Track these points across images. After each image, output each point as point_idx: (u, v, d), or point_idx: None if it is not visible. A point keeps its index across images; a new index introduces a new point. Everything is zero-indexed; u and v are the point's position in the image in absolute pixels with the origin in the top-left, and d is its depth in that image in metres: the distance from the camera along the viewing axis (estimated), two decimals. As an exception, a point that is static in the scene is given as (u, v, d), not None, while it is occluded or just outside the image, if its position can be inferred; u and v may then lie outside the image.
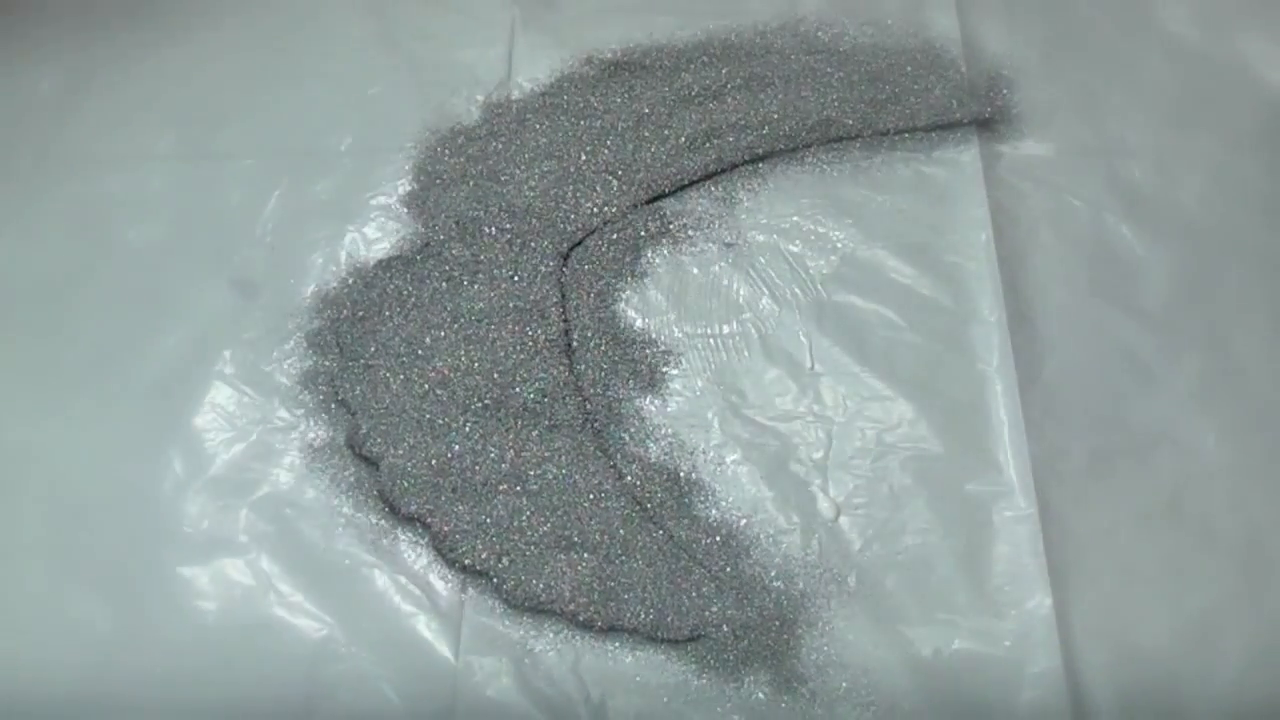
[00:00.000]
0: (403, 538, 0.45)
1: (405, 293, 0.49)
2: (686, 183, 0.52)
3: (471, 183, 0.52)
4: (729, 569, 0.44)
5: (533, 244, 0.50)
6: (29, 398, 0.49)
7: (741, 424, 0.47)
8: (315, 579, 0.45)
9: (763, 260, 0.51)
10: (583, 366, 0.48)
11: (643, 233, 0.51)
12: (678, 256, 0.51)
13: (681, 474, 0.46)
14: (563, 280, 0.50)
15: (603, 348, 0.49)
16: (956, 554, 0.44)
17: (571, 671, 0.42)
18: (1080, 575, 0.44)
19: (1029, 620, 0.43)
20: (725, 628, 0.42)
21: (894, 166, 0.53)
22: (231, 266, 0.52)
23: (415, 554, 0.45)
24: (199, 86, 0.57)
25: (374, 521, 0.46)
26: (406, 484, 0.45)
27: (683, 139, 0.53)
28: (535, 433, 0.46)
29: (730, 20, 0.57)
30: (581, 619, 0.43)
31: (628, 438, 0.47)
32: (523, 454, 0.46)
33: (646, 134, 0.53)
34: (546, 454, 0.46)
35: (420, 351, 0.48)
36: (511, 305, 0.49)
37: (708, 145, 0.53)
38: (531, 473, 0.45)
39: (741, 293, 0.50)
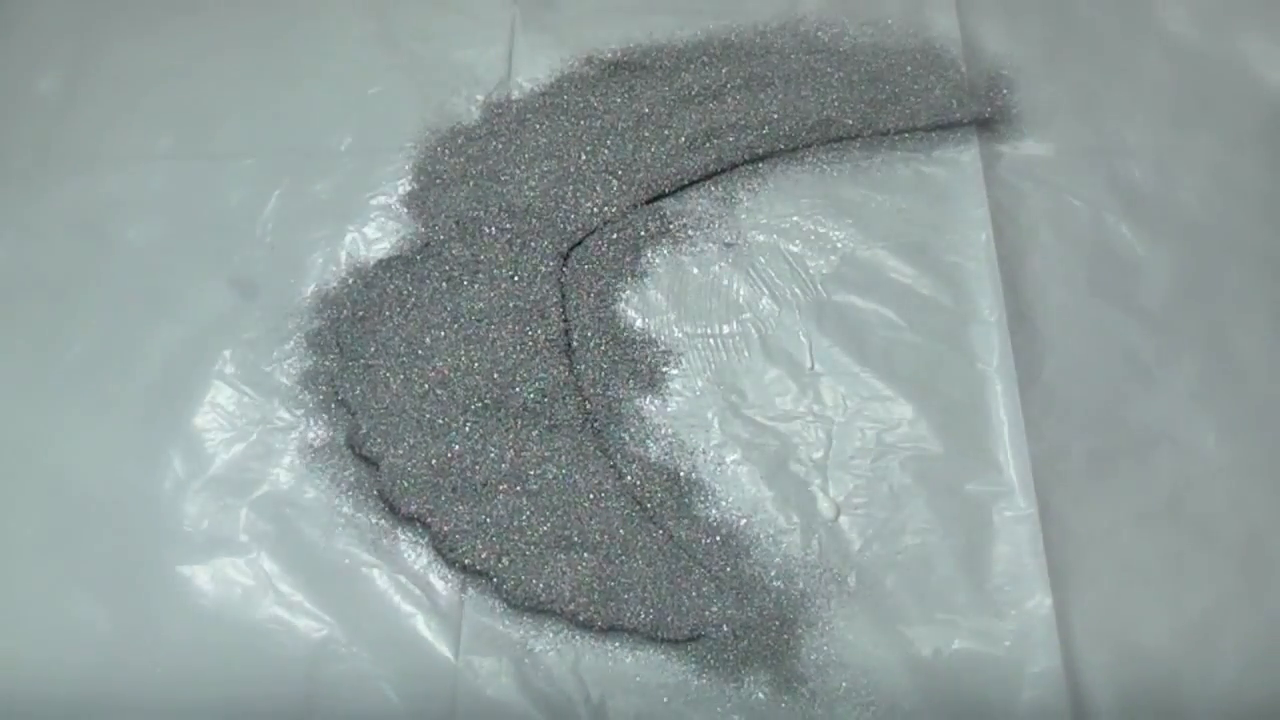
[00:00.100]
0: (403, 538, 0.45)
1: (405, 293, 0.49)
2: (686, 183, 0.52)
3: (471, 183, 0.52)
4: (729, 569, 0.44)
5: (533, 244, 0.50)
6: (29, 398, 0.49)
7: (741, 424, 0.47)
8: (315, 579, 0.45)
9: (763, 260, 0.51)
10: (583, 366, 0.48)
11: (643, 233, 0.51)
12: (678, 256, 0.51)
13: (681, 474, 0.46)
14: (563, 280, 0.50)
15: (603, 348, 0.49)
16: (956, 554, 0.44)
17: (571, 671, 0.42)
18: (1080, 575, 0.44)
19: (1029, 620, 0.43)
20: (725, 628, 0.42)
21: (894, 166, 0.53)
22: (231, 266, 0.52)
23: (415, 554, 0.45)
24: (199, 86, 0.57)
25: (374, 521, 0.46)
26: (406, 484, 0.45)
27: (683, 139, 0.53)
28: (535, 433, 0.46)
29: (730, 20, 0.57)
30: (581, 619, 0.43)
31: (628, 438, 0.47)
32: (523, 454, 0.46)
33: (646, 134, 0.53)
34: (546, 454, 0.46)
35: (420, 351, 0.48)
36: (511, 305, 0.49)
37: (708, 145, 0.53)
38: (531, 473, 0.45)
39: (741, 293, 0.50)
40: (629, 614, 0.43)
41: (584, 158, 0.52)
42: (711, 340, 0.49)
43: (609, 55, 0.55)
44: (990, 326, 0.49)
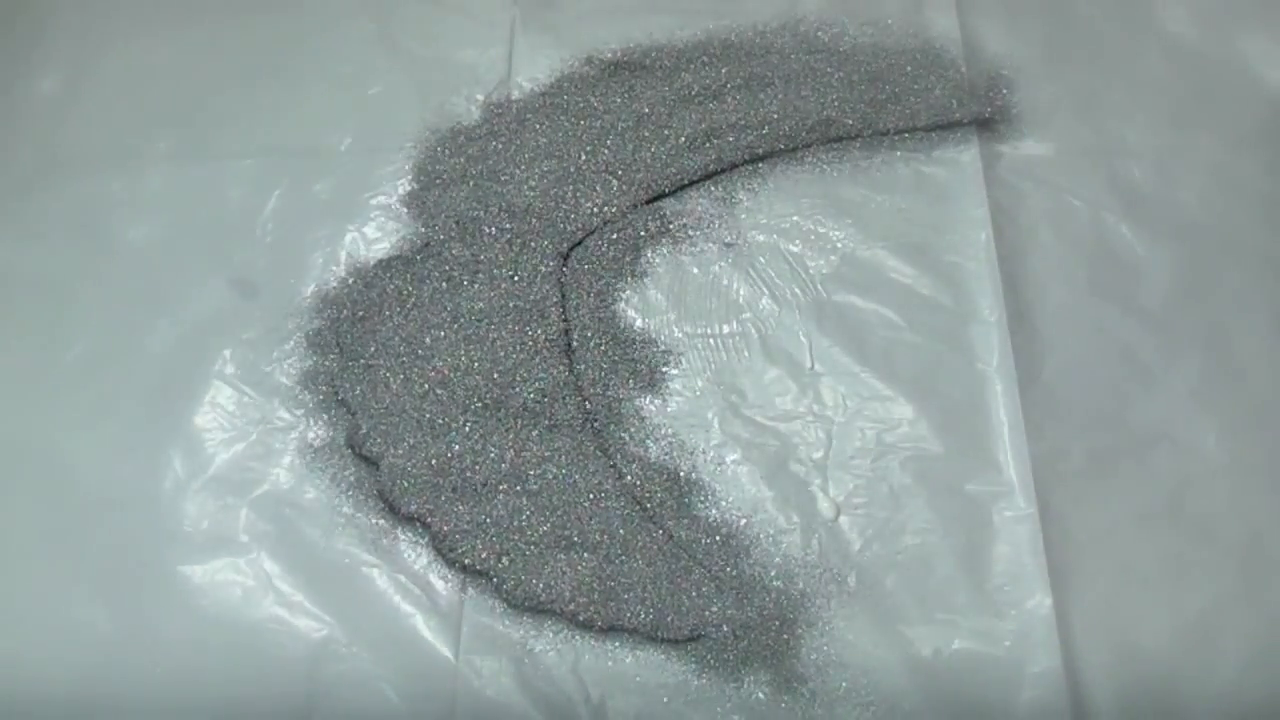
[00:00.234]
0: (403, 538, 0.45)
1: (405, 293, 0.49)
2: (686, 183, 0.52)
3: (471, 183, 0.52)
4: (729, 569, 0.44)
5: (533, 244, 0.50)
6: (29, 398, 0.49)
7: (741, 424, 0.47)
8: (315, 579, 0.45)
9: (763, 260, 0.51)
10: (583, 366, 0.48)
11: (643, 233, 0.51)
12: (678, 256, 0.51)
13: (681, 474, 0.46)
14: (563, 280, 0.50)
15: (603, 348, 0.49)
16: (956, 554, 0.44)
17: (571, 671, 0.42)
18: (1080, 575, 0.44)
19: (1029, 620, 0.43)
20: (725, 628, 0.42)
21: (894, 166, 0.53)
22: (231, 266, 0.52)
23: (415, 554, 0.45)
24: (199, 86, 0.57)
25: (374, 521, 0.46)
26: (406, 484, 0.45)
27: (683, 139, 0.53)
28: (535, 433, 0.46)
29: (730, 20, 0.57)
30: (581, 619, 0.43)
31: (628, 438, 0.47)
32: (523, 454, 0.46)
33: (646, 134, 0.53)
34: (546, 454, 0.46)
35: (420, 351, 0.48)
36: (511, 305, 0.49)
37: (708, 145, 0.53)
38: (531, 473, 0.45)
39: (741, 293, 0.50)
40: (629, 614, 0.42)
41: (584, 158, 0.52)
42: (711, 340, 0.49)
43: (609, 55, 0.55)
44: (990, 326, 0.49)
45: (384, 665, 0.43)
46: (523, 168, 0.52)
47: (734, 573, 0.44)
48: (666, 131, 0.53)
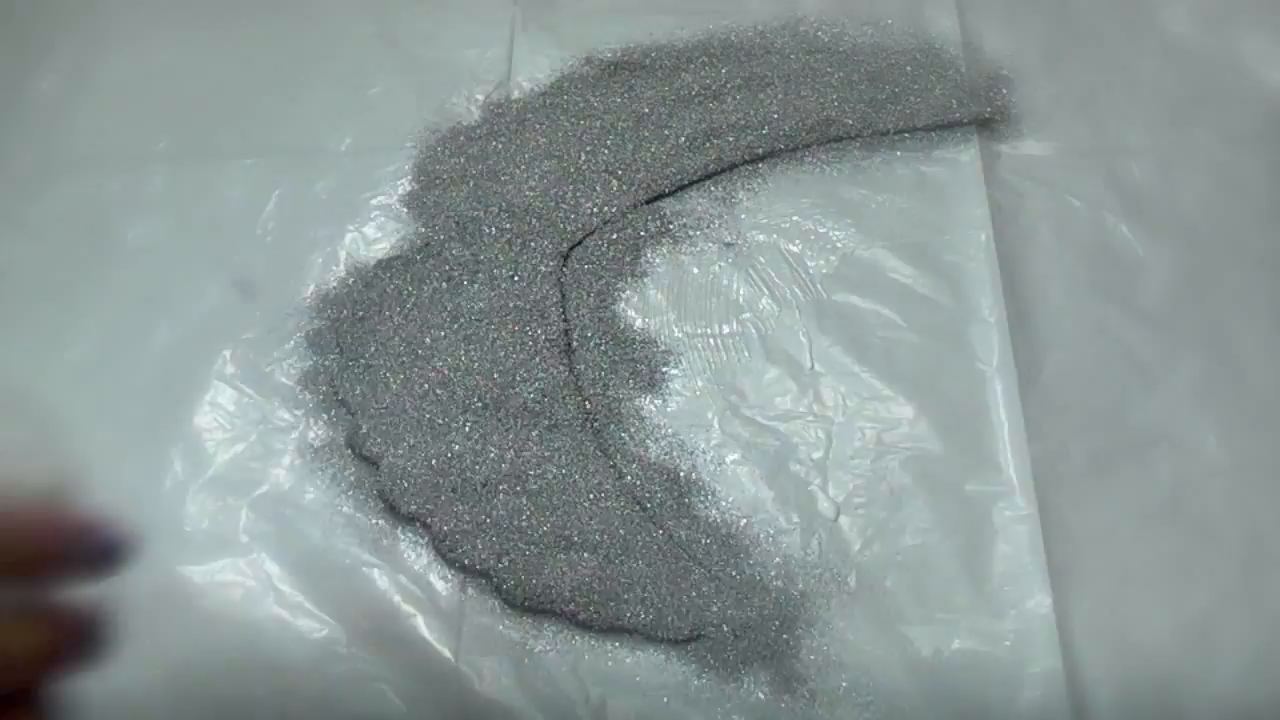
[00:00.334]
0: (403, 538, 0.45)
1: (405, 293, 0.49)
2: (686, 183, 0.52)
3: (471, 183, 0.52)
4: (729, 569, 0.44)
5: (533, 244, 0.50)
6: (29, 398, 0.49)
7: (741, 424, 0.47)
8: (315, 579, 0.45)
9: (763, 260, 0.51)
10: (583, 366, 0.48)
11: (643, 233, 0.51)
12: (678, 256, 0.51)
13: (681, 474, 0.46)
14: (563, 280, 0.50)
15: (603, 348, 0.49)
16: (956, 554, 0.44)
17: (571, 671, 0.42)
18: (1080, 575, 0.44)
19: (1029, 620, 0.43)
20: (725, 628, 0.42)
21: (894, 166, 0.53)
22: (231, 266, 0.52)
23: (415, 554, 0.45)
24: (199, 86, 0.57)
25: (374, 521, 0.46)
26: (406, 484, 0.45)
27: (683, 139, 0.53)
28: (535, 433, 0.46)
29: (730, 20, 0.57)
30: (581, 619, 0.43)
31: (628, 438, 0.47)
32: (523, 454, 0.46)
33: (646, 134, 0.53)
34: (546, 454, 0.46)
35: (420, 351, 0.48)
36: (511, 305, 0.49)
37: (708, 145, 0.53)
38: (531, 473, 0.45)
39: (741, 293, 0.50)
40: (629, 614, 0.42)
41: (584, 158, 0.52)
42: (711, 340, 0.49)
43: (609, 55, 0.55)
44: (990, 326, 0.49)
45: (384, 665, 0.43)
46: (523, 168, 0.52)
47: (734, 573, 0.44)
48: (666, 131, 0.53)
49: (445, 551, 0.44)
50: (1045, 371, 0.48)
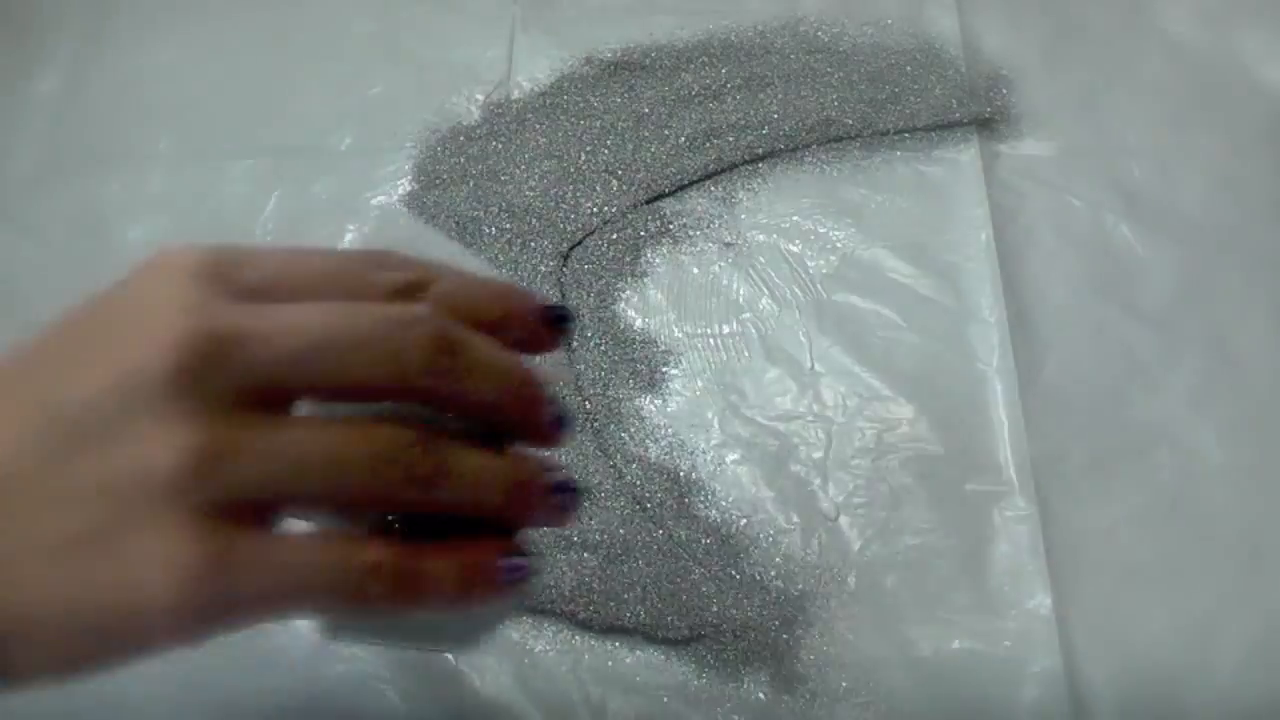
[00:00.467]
0: (403, 538, 0.45)
1: (405, 293, 0.49)
2: (686, 183, 0.52)
3: (471, 183, 0.52)
4: (729, 569, 0.44)
5: (533, 244, 0.50)
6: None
7: (741, 424, 0.47)
8: (315, 579, 0.45)
9: (763, 260, 0.51)
10: (583, 366, 0.48)
11: (643, 233, 0.51)
12: (678, 256, 0.51)
13: (681, 474, 0.46)
14: (562, 280, 0.50)
15: (603, 348, 0.49)
16: (956, 554, 0.44)
17: (571, 672, 0.42)
18: (1080, 575, 0.44)
19: (1029, 620, 0.43)
20: (725, 628, 0.42)
21: (894, 166, 0.53)
22: (231, 266, 0.51)
23: (415, 554, 0.45)
24: (199, 86, 0.57)
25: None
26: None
27: (683, 139, 0.53)
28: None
29: (730, 20, 0.57)
30: (581, 619, 0.43)
31: (628, 438, 0.47)
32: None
33: (646, 134, 0.53)
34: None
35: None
36: (511, 305, 0.49)
37: (708, 145, 0.53)
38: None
39: (741, 293, 0.50)
40: (629, 614, 0.42)
41: (584, 158, 0.52)
42: (711, 340, 0.49)
43: (609, 55, 0.55)
44: (990, 326, 0.49)
45: (384, 666, 0.43)
46: (523, 168, 0.52)
47: (734, 573, 0.44)
48: (666, 131, 0.53)
49: (445, 551, 0.44)
50: (1045, 371, 0.48)
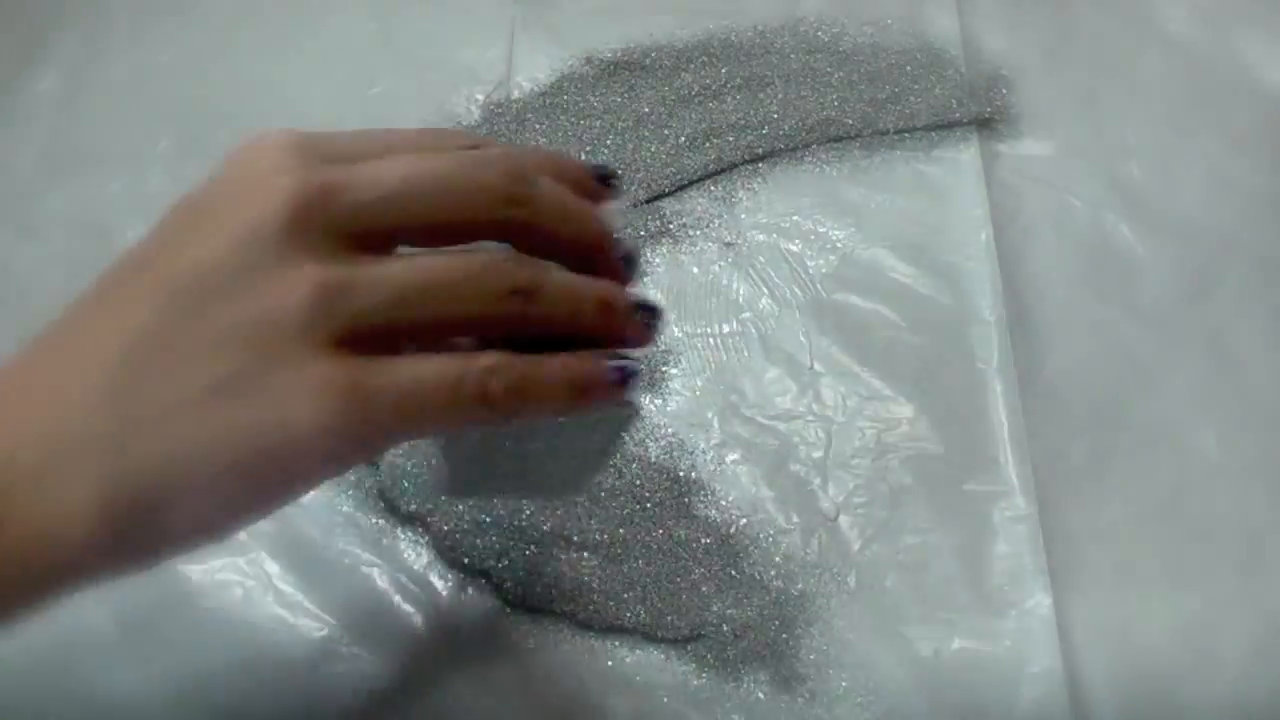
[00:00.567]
0: (403, 538, 0.45)
1: (405, 293, 0.49)
2: (686, 183, 0.52)
3: (471, 183, 0.52)
4: (729, 569, 0.44)
5: (533, 244, 0.50)
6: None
7: (741, 424, 0.47)
8: (315, 579, 0.45)
9: (762, 260, 0.51)
10: (583, 366, 0.48)
11: (642, 232, 0.51)
12: (678, 256, 0.51)
13: (681, 474, 0.46)
14: (563, 280, 0.50)
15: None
16: (956, 554, 0.44)
17: (571, 671, 0.42)
18: (1080, 575, 0.44)
19: (1029, 620, 0.43)
20: (725, 628, 0.42)
21: (894, 166, 0.53)
22: (231, 266, 0.51)
23: (415, 554, 0.45)
24: (199, 86, 0.57)
25: (374, 521, 0.46)
26: (406, 484, 0.45)
27: (683, 139, 0.53)
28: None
29: (730, 20, 0.57)
30: (581, 619, 0.43)
31: (628, 438, 0.47)
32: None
33: (646, 134, 0.53)
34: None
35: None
36: (511, 305, 0.49)
37: (708, 145, 0.53)
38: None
39: (741, 292, 0.50)
40: (629, 614, 0.42)
41: (584, 158, 0.52)
42: (711, 340, 0.49)
43: (609, 55, 0.55)
44: (990, 326, 0.49)
45: (384, 665, 0.43)
46: (523, 168, 0.52)
47: (734, 573, 0.44)
48: (666, 131, 0.53)
49: (445, 551, 0.44)
50: (1045, 371, 0.48)
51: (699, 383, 0.48)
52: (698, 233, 0.52)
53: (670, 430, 0.47)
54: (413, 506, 0.45)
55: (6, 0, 0.60)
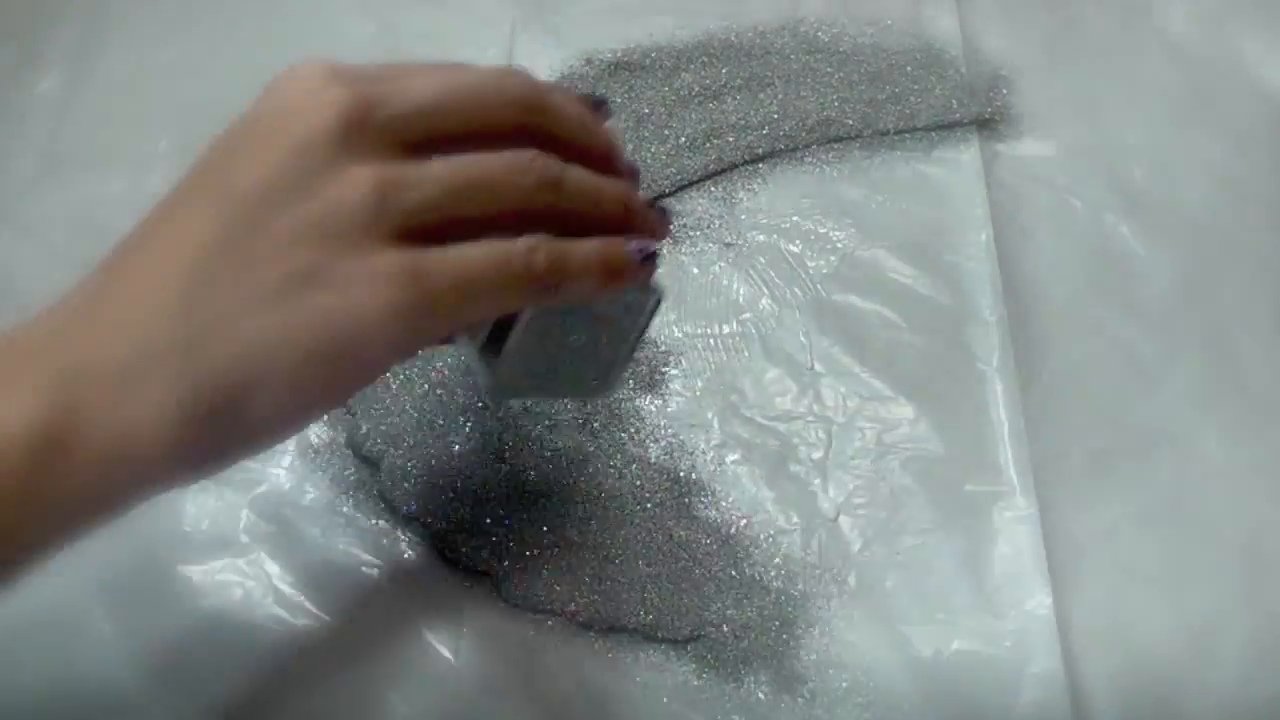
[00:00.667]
0: (403, 538, 0.45)
1: (405, 293, 0.49)
2: (686, 183, 0.52)
3: (471, 183, 0.52)
4: (729, 569, 0.44)
5: (533, 244, 0.50)
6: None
7: (741, 424, 0.47)
8: (315, 579, 0.45)
9: (763, 260, 0.51)
10: (583, 366, 0.48)
11: (643, 233, 0.51)
12: (678, 256, 0.51)
13: (681, 474, 0.46)
14: (563, 280, 0.50)
15: (603, 348, 0.49)
16: (956, 554, 0.44)
17: (571, 672, 0.42)
18: (1080, 575, 0.44)
19: (1029, 620, 0.43)
20: (725, 628, 0.42)
21: (894, 166, 0.53)
22: (231, 266, 0.51)
23: (415, 554, 0.45)
24: (199, 86, 0.57)
25: (374, 521, 0.46)
26: (406, 484, 0.45)
27: (683, 139, 0.53)
28: (535, 432, 0.46)
29: (730, 20, 0.57)
30: (581, 619, 0.43)
31: (627, 438, 0.47)
32: (522, 454, 0.46)
33: (646, 134, 0.53)
34: (546, 454, 0.46)
35: (420, 351, 0.48)
36: (511, 305, 0.49)
37: (708, 145, 0.53)
38: (531, 473, 0.45)
39: (741, 293, 0.50)
40: (629, 614, 0.43)
41: (584, 158, 0.52)
42: (711, 340, 0.49)
43: (609, 55, 0.55)
44: (990, 326, 0.49)
45: (384, 666, 0.43)
46: (523, 168, 0.52)
47: (734, 573, 0.44)
48: (666, 131, 0.53)
49: (445, 551, 0.44)
50: (1045, 371, 0.48)
51: (699, 383, 0.48)
52: (698, 233, 0.52)
53: (670, 431, 0.47)
54: (413, 506, 0.45)
55: (6, 0, 0.60)
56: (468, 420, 0.46)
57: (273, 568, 0.45)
